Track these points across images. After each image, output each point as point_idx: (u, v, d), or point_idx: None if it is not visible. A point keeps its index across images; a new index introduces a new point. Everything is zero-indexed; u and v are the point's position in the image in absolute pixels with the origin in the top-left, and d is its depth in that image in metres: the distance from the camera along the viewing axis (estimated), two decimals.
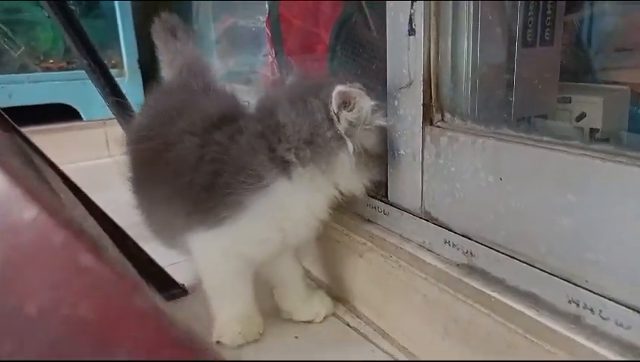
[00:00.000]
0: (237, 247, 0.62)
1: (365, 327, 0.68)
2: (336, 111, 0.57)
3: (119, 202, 0.71)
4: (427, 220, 0.59)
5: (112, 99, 1.10)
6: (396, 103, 0.60)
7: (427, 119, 0.57)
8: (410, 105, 0.59)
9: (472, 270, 0.52)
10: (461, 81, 0.57)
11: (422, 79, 0.56)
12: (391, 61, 0.60)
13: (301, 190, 0.59)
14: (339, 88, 0.56)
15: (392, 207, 0.64)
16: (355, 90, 0.57)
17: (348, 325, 0.69)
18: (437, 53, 0.56)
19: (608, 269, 0.41)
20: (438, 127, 0.57)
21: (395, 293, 0.62)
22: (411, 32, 0.56)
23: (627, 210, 0.39)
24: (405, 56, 0.58)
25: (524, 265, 0.47)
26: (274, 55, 1.15)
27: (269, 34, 1.15)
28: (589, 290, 0.42)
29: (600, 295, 0.41)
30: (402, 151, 0.61)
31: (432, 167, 0.57)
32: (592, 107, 0.62)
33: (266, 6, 1.32)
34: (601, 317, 0.41)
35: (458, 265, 0.54)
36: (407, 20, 0.57)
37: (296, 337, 0.67)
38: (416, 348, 0.60)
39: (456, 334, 0.53)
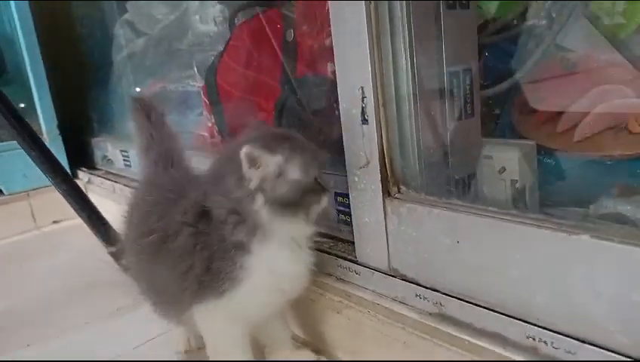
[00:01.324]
0: (241, 313, 0.69)
1: None
2: (245, 172, 0.61)
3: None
4: (396, 277, 0.69)
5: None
6: (356, 179, 0.70)
7: (386, 192, 0.68)
8: (369, 181, 0.69)
9: (443, 318, 0.63)
10: (409, 158, 0.68)
11: (377, 159, 0.67)
12: (347, 144, 0.70)
13: (271, 250, 0.65)
14: (244, 150, 0.60)
15: (362, 267, 0.74)
16: (259, 150, 0.60)
17: None
18: (387, 136, 0.67)
19: (552, 308, 0.53)
20: (397, 198, 0.67)
21: (376, 343, 0.71)
22: (364, 121, 0.67)
23: (556, 261, 0.51)
24: (360, 140, 0.68)
25: (487, 310, 0.58)
26: (213, 121, 1.21)
27: (207, 101, 1.21)
28: (541, 326, 0.54)
29: (550, 329, 0.53)
30: (366, 219, 0.71)
31: (395, 232, 0.68)
32: (509, 162, 0.76)
33: (195, 71, 1.38)
34: (553, 347, 0.53)
35: (430, 314, 0.64)
36: (360, 112, 0.67)
37: None
38: None
39: None
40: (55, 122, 1.81)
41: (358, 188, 0.71)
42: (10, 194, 1.73)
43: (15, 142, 1.67)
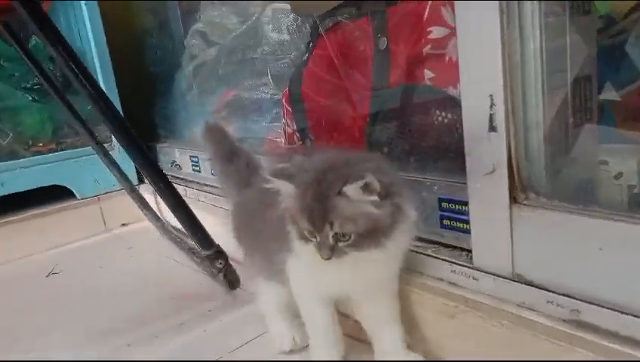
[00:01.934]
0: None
1: None
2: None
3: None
4: (522, 283, 0.69)
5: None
6: (479, 186, 0.71)
7: (512, 198, 0.68)
8: (495, 188, 0.69)
9: (580, 324, 0.63)
10: (536, 164, 0.69)
11: (505, 166, 0.67)
12: (470, 151, 0.71)
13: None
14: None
15: (481, 273, 0.74)
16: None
17: None
18: (515, 144, 0.67)
19: None
20: (524, 204, 0.68)
21: (499, 348, 0.71)
22: (492, 129, 0.67)
23: None
24: (487, 147, 0.69)
25: (634, 317, 0.58)
26: (294, 128, 1.23)
27: (289, 109, 1.23)
28: None
29: None
30: (489, 226, 0.72)
31: (521, 238, 0.68)
32: (627, 167, 0.75)
33: (269, 79, 1.41)
34: None
35: (565, 320, 0.64)
36: (487, 119, 0.67)
37: None
38: None
39: None
40: None
41: (481, 195, 0.71)
42: (82, 199, 1.78)
43: (87, 148, 1.77)
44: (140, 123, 1.92)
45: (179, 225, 1.13)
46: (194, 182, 1.69)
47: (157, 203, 1.80)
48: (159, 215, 1.74)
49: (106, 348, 1.02)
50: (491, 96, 0.66)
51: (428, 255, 0.83)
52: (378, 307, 0.83)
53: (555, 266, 0.65)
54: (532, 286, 0.68)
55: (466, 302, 0.75)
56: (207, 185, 1.60)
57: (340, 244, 0.68)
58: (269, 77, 1.42)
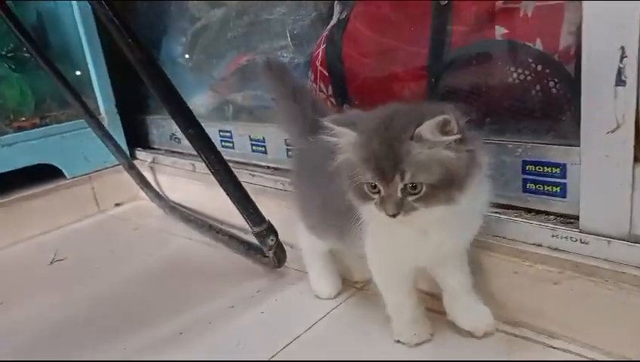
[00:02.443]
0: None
1: (568, 345, 0.75)
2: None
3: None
4: None
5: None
6: (596, 145, 0.67)
7: (637, 158, 0.65)
8: (616, 146, 0.66)
9: None
10: None
11: (632, 123, 0.64)
12: (588, 107, 0.67)
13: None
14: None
15: (591, 236, 0.71)
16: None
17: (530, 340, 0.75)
18: None
19: None
20: None
21: (613, 313, 0.69)
22: (620, 83, 0.63)
23: None
24: (611, 103, 0.65)
25: None
26: (330, 92, 1.16)
27: (324, 72, 1.15)
28: None
29: None
30: (605, 186, 0.68)
31: None
32: None
33: (289, 41, 1.32)
34: None
35: None
36: (616, 73, 0.63)
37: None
38: None
39: None
40: (113, 101, 1.72)
41: (598, 154, 0.68)
42: (72, 178, 1.63)
43: (74, 122, 1.61)
44: (129, 94, 1.78)
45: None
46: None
47: (156, 180, 1.69)
48: (161, 192, 1.63)
49: (157, 336, 0.93)
50: (623, 47, 0.62)
51: (520, 220, 0.79)
52: (452, 275, 0.80)
53: None
54: None
55: (575, 267, 0.72)
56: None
57: (409, 198, 0.62)
58: (289, 39, 1.32)
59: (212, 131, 1.46)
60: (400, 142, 0.62)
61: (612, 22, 0.62)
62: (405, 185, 0.62)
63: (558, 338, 0.76)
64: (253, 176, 1.31)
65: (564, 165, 0.77)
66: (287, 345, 0.85)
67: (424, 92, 0.99)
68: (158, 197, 1.59)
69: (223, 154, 0.95)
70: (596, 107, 0.66)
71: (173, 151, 1.69)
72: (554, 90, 0.81)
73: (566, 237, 0.74)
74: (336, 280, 0.99)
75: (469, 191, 0.64)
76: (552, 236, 0.75)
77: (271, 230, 1.00)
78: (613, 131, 0.66)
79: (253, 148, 1.40)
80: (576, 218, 0.76)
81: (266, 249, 1.01)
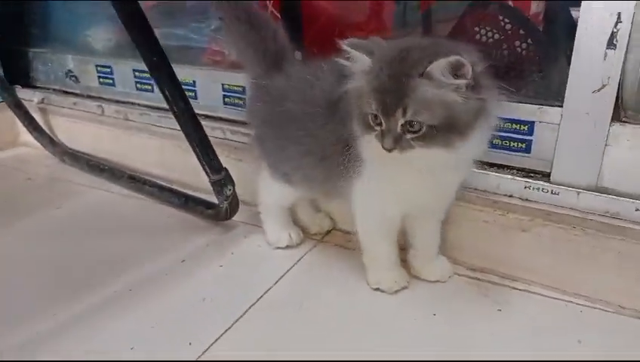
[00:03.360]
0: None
1: (531, 287, 0.82)
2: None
3: None
4: (609, 194, 0.75)
5: None
6: (579, 102, 0.73)
7: (614, 116, 0.72)
8: (599, 105, 0.72)
9: None
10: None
11: (616, 84, 0.70)
12: (578, 67, 0.72)
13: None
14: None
15: (561, 187, 0.78)
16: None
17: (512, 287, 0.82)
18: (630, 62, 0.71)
19: None
20: (624, 122, 0.72)
21: (578, 256, 0.77)
22: (611, 46, 0.69)
23: None
24: (600, 65, 0.71)
25: None
26: None
27: (278, 14, 1.07)
28: None
29: None
30: (580, 142, 0.75)
31: (616, 153, 0.73)
32: None
33: None
34: None
35: None
36: (608, 36, 0.69)
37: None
38: (610, 296, 0.77)
39: None
40: None
41: (580, 111, 0.74)
42: None
43: None
44: (7, 20, 1.48)
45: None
46: (103, 98, 1.38)
47: (48, 124, 1.45)
48: (54, 138, 1.41)
49: (105, 294, 0.81)
50: (619, 13, 0.67)
51: (492, 173, 0.84)
52: (428, 232, 0.84)
53: None
54: (619, 196, 0.75)
55: (545, 216, 0.79)
56: (128, 102, 1.33)
57: (408, 136, 0.62)
58: None
59: (125, 70, 1.31)
60: (408, 78, 0.61)
61: None
62: (406, 121, 0.62)
63: (524, 281, 0.83)
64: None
65: (533, 123, 0.83)
66: (259, 299, 0.81)
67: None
68: (52, 143, 1.37)
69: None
70: (585, 67, 0.72)
71: (68, 92, 1.46)
72: (526, 52, 0.85)
73: (538, 188, 0.80)
74: (296, 229, 0.96)
75: (470, 139, 0.64)
76: (525, 187, 0.81)
77: (229, 178, 0.92)
78: (598, 90, 0.72)
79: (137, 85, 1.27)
80: (539, 173, 0.83)
81: (222, 199, 0.93)
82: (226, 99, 1.17)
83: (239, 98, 1.15)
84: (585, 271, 0.78)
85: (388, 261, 0.82)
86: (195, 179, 1.08)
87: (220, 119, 1.17)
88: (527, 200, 0.81)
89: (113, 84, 1.36)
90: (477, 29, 0.89)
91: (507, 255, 0.84)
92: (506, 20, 0.88)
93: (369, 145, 0.68)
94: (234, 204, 0.95)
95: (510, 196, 0.83)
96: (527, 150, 0.84)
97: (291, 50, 0.89)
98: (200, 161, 0.87)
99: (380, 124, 0.64)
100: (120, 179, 1.18)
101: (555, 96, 0.78)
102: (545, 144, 0.81)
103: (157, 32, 1.29)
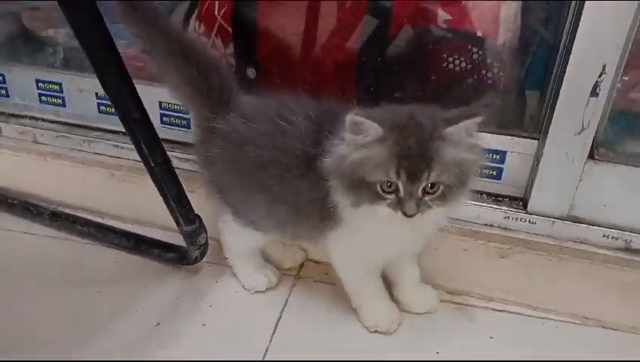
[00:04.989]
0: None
1: (508, 306, 0.89)
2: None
3: None
4: (579, 223, 0.83)
5: None
6: (561, 143, 0.78)
7: (590, 155, 0.79)
8: (577, 145, 0.78)
9: (632, 250, 0.82)
10: (615, 125, 0.80)
11: (595, 128, 0.76)
12: (562, 111, 0.76)
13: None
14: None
15: (537, 216, 0.84)
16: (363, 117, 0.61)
17: (495, 310, 0.88)
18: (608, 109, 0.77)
19: None
20: (597, 160, 0.79)
21: (551, 279, 0.85)
22: (594, 94, 0.74)
23: None
24: (582, 110, 0.75)
25: None
26: (226, 52, 0.98)
27: (228, 28, 0.96)
28: None
29: None
30: (557, 177, 0.81)
31: (588, 187, 0.80)
32: None
33: None
34: None
35: (618, 248, 0.82)
36: (592, 85, 0.74)
37: None
38: (583, 310, 0.85)
39: (621, 293, 0.83)
40: None
41: (560, 151, 0.79)
42: None
43: None
44: None
45: None
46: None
47: None
48: None
49: None
50: (604, 65, 0.72)
51: (472, 203, 0.87)
52: (408, 268, 0.86)
53: (612, 208, 0.81)
54: (588, 224, 0.83)
55: (527, 244, 0.84)
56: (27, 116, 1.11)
57: (426, 198, 0.63)
58: None
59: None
60: (432, 141, 0.61)
61: (600, 41, 0.71)
62: (428, 184, 0.62)
63: (502, 302, 0.89)
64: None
65: (505, 152, 0.87)
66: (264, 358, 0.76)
67: (352, 70, 0.94)
68: None
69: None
70: (569, 111, 0.76)
71: None
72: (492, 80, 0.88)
73: (516, 218, 0.85)
74: (271, 269, 0.91)
75: (469, 191, 0.68)
76: (504, 217, 0.86)
77: (202, 227, 0.83)
78: (579, 133, 0.77)
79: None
80: (507, 197, 0.88)
81: (195, 248, 0.84)
82: (164, 119, 1.04)
83: (181, 118, 1.03)
84: (559, 292, 0.86)
85: (379, 301, 0.83)
86: (137, 213, 0.96)
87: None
88: (506, 228, 0.86)
89: (7, 95, 1.12)
90: (450, 58, 0.89)
91: (488, 280, 0.89)
92: (474, 50, 0.89)
93: (372, 215, 0.65)
94: (205, 249, 0.87)
95: (490, 225, 0.87)
96: (498, 177, 0.88)
97: (235, 81, 0.81)
98: (173, 215, 0.77)
99: (395, 192, 0.62)
100: (41, 217, 1.00)
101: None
102: (512, 171, 0.86)
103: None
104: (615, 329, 0.84)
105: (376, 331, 0.82)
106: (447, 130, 0.61)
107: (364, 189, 0.63)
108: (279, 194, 0.73)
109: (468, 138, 0.63)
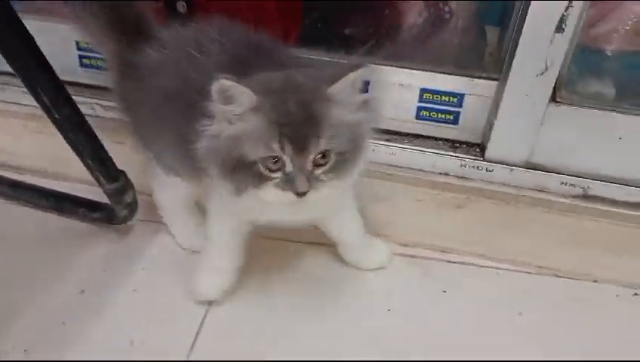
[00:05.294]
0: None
1: (467, 258, 0.85)
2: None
3: None
4: (538, 170, 0.78)
5: None
6: (521, 84, 0.72)
7: (552, 97, 0.73)
8: (539, 87, 0.72)
9: (590, 197, 0.78)
10: (578, 66, 0.74)
11: (559, 68, 0.70)
12: (524, 49, 0.69)
13: None
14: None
15: (496, 164, 0.79)
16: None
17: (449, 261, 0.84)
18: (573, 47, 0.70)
19: None
20: (558, 102, 0.74)
21: (507, 227, 0.81)
22: (560, 30, 0.68)
23: None
24: (545, 48, 0.69)
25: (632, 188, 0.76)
26: None
27: None
28: None
29: None
30: (517, 121, 0.75)
31: (550, 132, 0.75)
32: None
33: None
34: None
35: (575, 196, 0.78)
36: (558, 20, 0.67)
37: None
38: (539, 260, 0.83)
39: (577, 242, 0.80)
40: None
41: (520, 92, 0.73)
42: None
43: None
44: None
45: None
46: None
47: None
48: None
49: None
50: None
51: (428, 151, 0.81)
52: (342, 228, 0.78)
53: (572, 154, 0.77)
54: (547, 171, 0.78)
55: (481, 192, 0.80)
56: None
57: (317, 172, 0.54)
58: None
59: None
60: (316, 102, 0.52)
61: None
62: (319, 153, 0.53)
63: (458, 253, 0.85)
64: None
65: (463, 95, 0.80)
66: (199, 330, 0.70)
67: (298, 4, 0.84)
68: None
69: None
70: (531, 50, 0.69)
71: None
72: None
73: (474, 167, 0.80)
74: None
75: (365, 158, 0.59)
76: (461, 165, 0.80)
77: (128, 184, 0.74)
78: (541, 74, 0.71)
79: None
80: (464, 143, 0.83)
81: (121, 207, 0.75)
82: (84, 60, 0.91)
83: (101, 59, 0.90)
84: (516, 241, 0.82)
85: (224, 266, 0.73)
86: (58, 167, 0.86)
87: (80, 85, 0.91)
88: (463, 178, 0.81)
89: None
90: None
91: (444, 231, 0.84)
92: None
93: (258, 199, 0.55)
94: (134, 207, 0.78)
95: (446, 174, 0.81)
96: (455, 122, 0.82)
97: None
98: (92, 173, 0.67)
99: (281, 168, 0.53)
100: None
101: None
102: (469, 116, 0.80)
103: None
104: (570, 278, 0.81)
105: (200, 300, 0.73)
106: (332, 87, 0.52)
107: (245, 171, 0.53)
108: (182, 131, 0.60)
109: (356, 94, 0.54)
